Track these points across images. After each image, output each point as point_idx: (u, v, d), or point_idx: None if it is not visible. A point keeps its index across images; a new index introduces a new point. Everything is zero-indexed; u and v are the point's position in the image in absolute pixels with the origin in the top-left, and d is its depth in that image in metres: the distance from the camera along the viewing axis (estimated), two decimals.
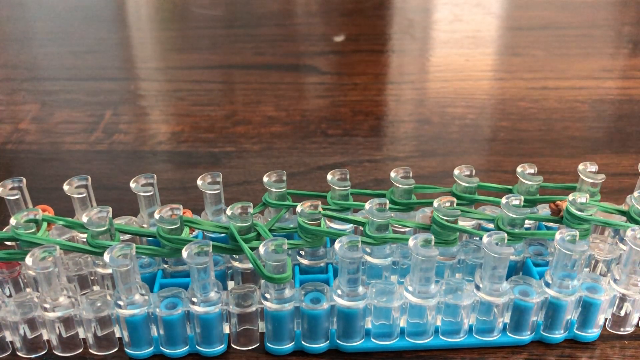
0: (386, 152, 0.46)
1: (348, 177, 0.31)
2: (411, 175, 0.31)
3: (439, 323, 0.29)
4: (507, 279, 0.28)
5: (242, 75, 0.61)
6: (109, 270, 0.29)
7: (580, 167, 0.31)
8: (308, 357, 0.29)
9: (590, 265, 0.31)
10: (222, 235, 0.30)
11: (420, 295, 0.27)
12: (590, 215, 0.29)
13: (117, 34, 0.76)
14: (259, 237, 0.28)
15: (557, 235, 0.26)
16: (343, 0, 0.86)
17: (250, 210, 0.28)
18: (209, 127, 0.50)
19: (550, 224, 0.32)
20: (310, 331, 0.28)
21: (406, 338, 0.29)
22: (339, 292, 0.27)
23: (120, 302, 0.26)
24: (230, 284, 0.31)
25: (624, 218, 0.30)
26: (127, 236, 0.30)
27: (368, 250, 0.29)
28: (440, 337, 0.29)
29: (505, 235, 0.26)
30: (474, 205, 0.32)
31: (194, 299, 0.26)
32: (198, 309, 0.27)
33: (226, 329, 0.29)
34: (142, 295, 0.27)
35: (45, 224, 0.28)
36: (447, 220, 0.28)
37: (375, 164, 0.44)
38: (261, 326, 0.29)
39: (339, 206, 0.31)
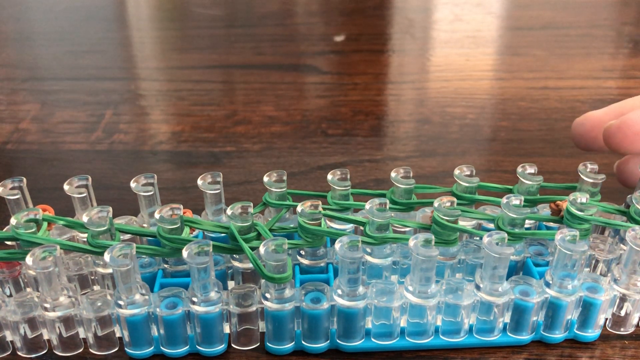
0: (386, 152, 0.46)
1: (348, 176, 0.31)
2: (411, 175, 0.31)
3: (439, 323, 0.29)
4: (507, 279, 0.28)
5: (242, 75, 0.61)
6: (109, 270, 0.29)
7: (581, 167, 0.31)
8: (308, 357, 0.29)
9: (590, 265, 0.31)
10: (223, 235, 0.30)
11: (420, 295, 0.27)
12: (591, 215, 0.29)
13: (117, 34, 0.76)
14: (259, 237, 0.28)
15: (558, 235, 0.26)
16: (343, 0, 0.86)
17: (251, 210, 0.28)
18: (209, 127, 0.50)
19: (551, 224, 0.32)
20: (311, 331, 0.28)
21: (406, 338, 0.29)
22: (339, 291, 0.27)
23: (121, 302, 0.26)
24: (231, 284, 0.31)
25: (624, 218, 0.30)
26: (128, 236, 0.30)
27: (368, 250, 0.29)
28: (441, 337, 0.29)
29: (506, 235, 0.26)
30: (474, 205, 0.32)
31: (194, 299, 0.26)
32: (198, 309, 0.27)
33: (226, 329, 0.29)
34: (143, 295, 0.27)
35: (45, 224, 0.28)
36: (447, 220, 0.28)
37: (375, 164, 0.44)
38: (261, 326, 0.29)
39: (339, 206, 0.31)
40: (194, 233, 0.30)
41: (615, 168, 0.35)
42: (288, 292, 0.27)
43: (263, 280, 0.27)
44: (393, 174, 0.31)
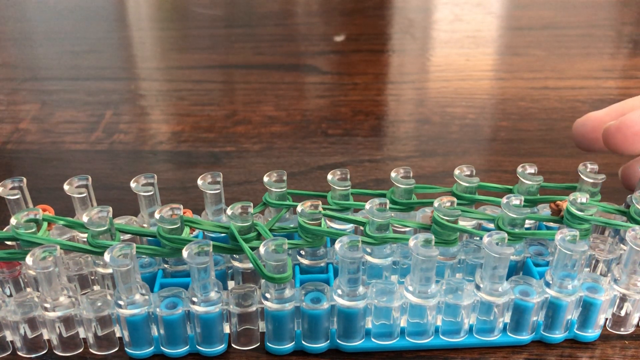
0: (386, 152, 0.46)
1: (348, 176, 0.31)
2: (411, 175, 0.31)
3: (439, 323, 0.29)
4: (507, 279, 0.28)
5: (242, 75, 0.61)
6: (110, 270, 0.29)
7: (581, 167, 0.31)
8: (308, 357, 0.29)
9: (590, 265, 0.31)
10: (223, 235, 0.30)
11: (420, 295, 0.27)
12: (591, 215, 0.29)
13: (117, 34, 0.76)
14: (259, 237, 0.28)
15: (558, 235, 0.26)
16: (343, 0, 0.86)
17: (251, 210, 0.28)
18: (209, 127, 0.50)
19: (551, 224, 0.32)
20: (311, 331, 0.28)
21: (406, 338, 0.29)
22: (339, 291, 0.27)
23: (121, 302, 0.26)
24: (231, 284, 0.31)
25: (624, 218, 0.30)
26: (128, 236, 0.30)
27: (368, 250, 0.29)
28: (441, 337, 0.29)
29: (506, 235, 0.26)
30: (475, 205, 0.32)
31: (195, 299, 0.26)
32: (198, 309, 0.27)
33: (226, 329, 0.29)
34: (143, 295, 0.27)
35: (45, 224, 0.28)
36: (447, 220, 0.28)
37: (375, 164, 0.44)
38: (261, 326, 0.29)
39: (340, 206, 0.31)
40: (194, 233, 0.30)
41: (620, 174, 0.35)
42: (288, 292, 0.27)
43: (263, 280, 0.27)
44: (393, 174, 0.31)
